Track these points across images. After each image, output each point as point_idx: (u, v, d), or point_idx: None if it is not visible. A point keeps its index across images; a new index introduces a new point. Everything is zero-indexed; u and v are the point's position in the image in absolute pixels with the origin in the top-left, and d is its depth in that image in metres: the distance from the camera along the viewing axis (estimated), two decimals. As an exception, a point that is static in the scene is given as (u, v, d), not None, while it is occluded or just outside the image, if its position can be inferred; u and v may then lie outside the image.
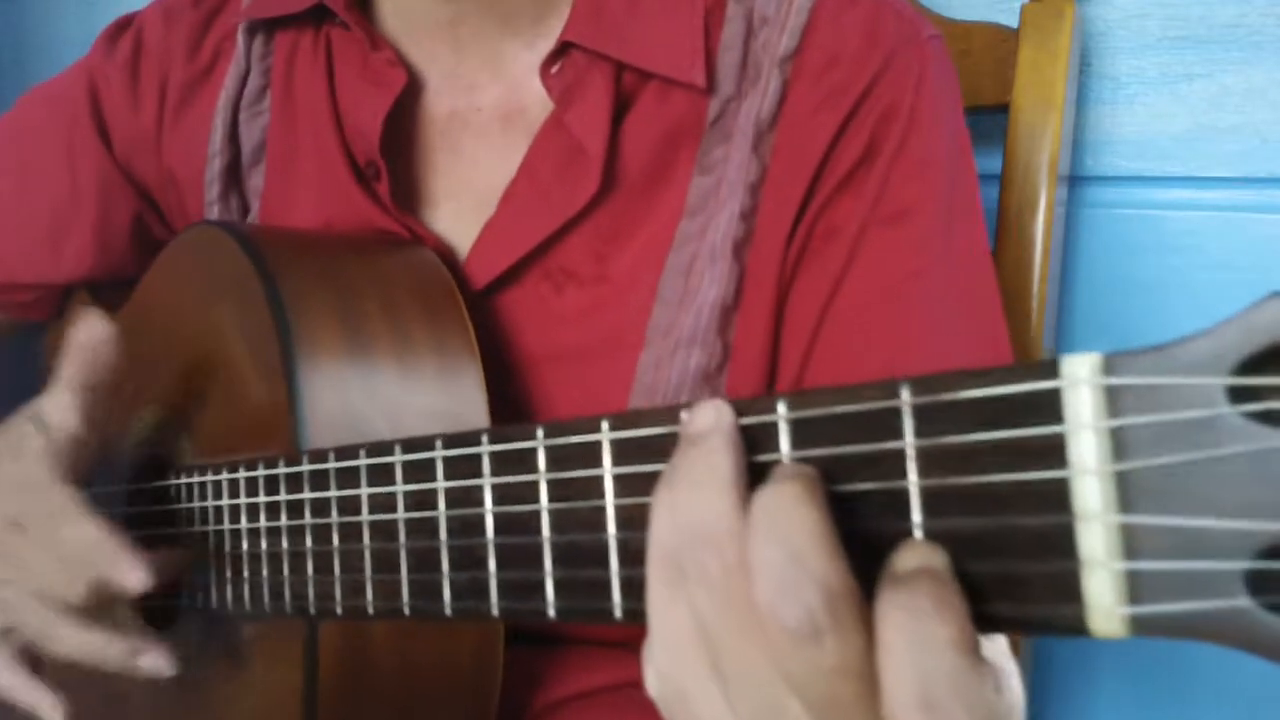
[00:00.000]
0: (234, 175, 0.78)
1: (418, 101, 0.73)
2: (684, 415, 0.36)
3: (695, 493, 0.34)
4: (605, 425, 0.39)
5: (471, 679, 0.62)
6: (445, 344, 0.64)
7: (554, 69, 0.67)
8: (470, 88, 0.72)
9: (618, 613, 0.39)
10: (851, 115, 0.65)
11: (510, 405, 0.67)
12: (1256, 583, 0.26)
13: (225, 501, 0.59)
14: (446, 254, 0.70)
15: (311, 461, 0.52)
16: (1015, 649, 0.86)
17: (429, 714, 0.62)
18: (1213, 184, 0.86)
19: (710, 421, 0.35)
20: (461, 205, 0.71)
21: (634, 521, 0.38)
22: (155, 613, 0.70)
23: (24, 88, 0.87)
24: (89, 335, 0.62)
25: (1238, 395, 0.26)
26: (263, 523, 0.56)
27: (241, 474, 0.58)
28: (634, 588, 0.38)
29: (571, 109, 0.66)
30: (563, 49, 0.67)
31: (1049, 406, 0.28)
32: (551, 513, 0.40)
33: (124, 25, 0.84)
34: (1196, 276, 0.87)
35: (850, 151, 0.65)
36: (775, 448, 0.34)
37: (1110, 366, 0.28)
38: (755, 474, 0.34)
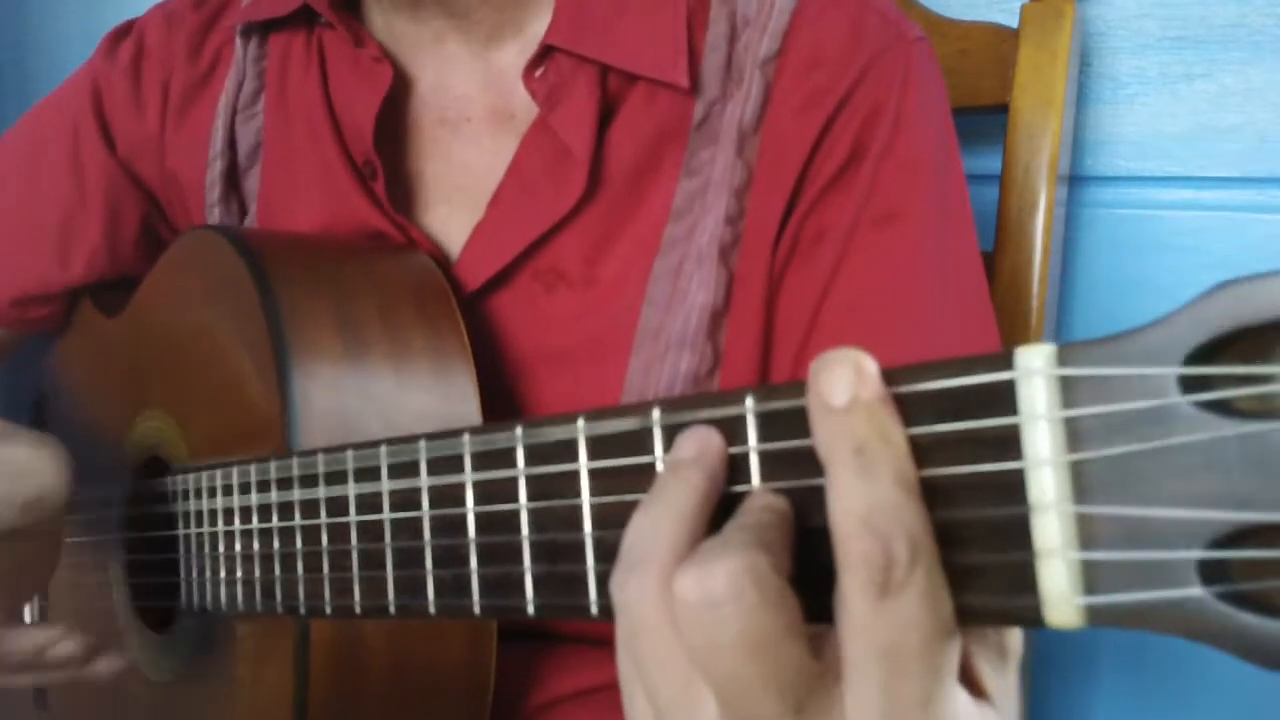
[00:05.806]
0: (233, 178, 0.78)
1: (409, 104, 0.73)
2: (655, 413, 0.36)
3: (645, 514, 0.33)
4: (581, 421, 0.39)
5: (465, 678, 0.62)
6: (440, 348, 0.64)
7: (537, 72, 0.67)
8: (459, 98, 0.72)
9: (594, 609, 0.39)
10: (834, 117, 0.64)
11: (503, 407, 0.67)
12: (1209, 572, 0.26)
13: (219, 502, 0.59)
14: (440, 256, 0.70)
15: (300, 460, 0.52)
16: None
17: (422, 714, 0.62)
18: (1213, 184, 0.86)
19: (689, 453, 0.34)
20: (454, 207, 0.72)
21: (609, 518, 0.38)
22: (152, 615, 0.71)
23: (25, 87, 0.88)
24: None
25: (1189, 385, 0.26)
26: (255, 524, 0.56)
27: (235, 476, 0.58)
28: (607, 584, 0.38)
29: (556, 111, 0.66)
30: (545, 52, 0.67)
31: (1004, 398, 0.28)
32: (530, 510, 0.41)
33: (125, 30, 0.84)
34: (1196, 276, 0.86)
35: (835, 153, 0.64)
36: (748, 479, 0.34)
37: (1064, 357, 0.28)
38: (729, 503, 0.34)
